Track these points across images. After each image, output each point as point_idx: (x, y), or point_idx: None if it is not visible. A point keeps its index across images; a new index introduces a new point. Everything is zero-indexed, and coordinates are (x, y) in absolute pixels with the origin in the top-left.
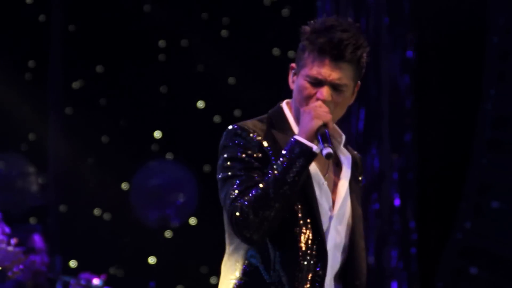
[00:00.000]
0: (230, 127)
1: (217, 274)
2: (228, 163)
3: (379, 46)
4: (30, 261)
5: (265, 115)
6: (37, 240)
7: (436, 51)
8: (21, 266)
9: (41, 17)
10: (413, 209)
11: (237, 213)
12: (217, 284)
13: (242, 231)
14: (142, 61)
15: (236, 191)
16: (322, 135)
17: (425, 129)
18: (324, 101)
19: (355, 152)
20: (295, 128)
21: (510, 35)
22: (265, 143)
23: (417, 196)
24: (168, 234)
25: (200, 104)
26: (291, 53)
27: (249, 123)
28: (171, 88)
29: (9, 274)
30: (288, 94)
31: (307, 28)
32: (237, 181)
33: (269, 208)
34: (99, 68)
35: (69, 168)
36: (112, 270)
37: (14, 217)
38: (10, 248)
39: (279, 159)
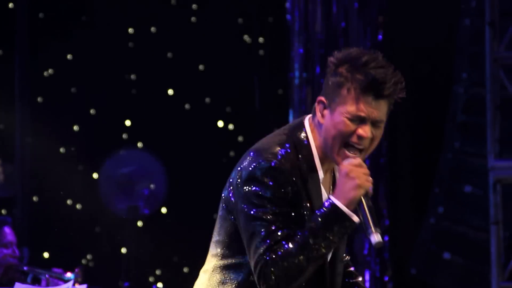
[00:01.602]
0: (266, 162)
1: (189, 264)
2: (259, 201)
3: (349, 30)
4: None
5: (289, 137)
6: (8, 232)
7: (406, 34)
8: None
9: (10, 5)
10: (385, 195)
11: (265, 271)
12: (189, 274)
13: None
14: (112, 48)
15: (265, 245)
16: (370, 209)
17: (397, 113)
18: (365, 139)
19: None
20: (319, 168)
21: (482, 17)
22: (298, 185)
23: (389, 182)
24: (139, 223)
25: (170, 91)
26: (261, 40)
27: (284, 161)
28: (141, 75)
29: None
30: (260, 82)
31: (334, 61)
32: (267, 231)
33: (298, 270)
34: (69, 56)
35: (39, 158)
36: (84, 261)
37: None
38: None
39: (316, 221)
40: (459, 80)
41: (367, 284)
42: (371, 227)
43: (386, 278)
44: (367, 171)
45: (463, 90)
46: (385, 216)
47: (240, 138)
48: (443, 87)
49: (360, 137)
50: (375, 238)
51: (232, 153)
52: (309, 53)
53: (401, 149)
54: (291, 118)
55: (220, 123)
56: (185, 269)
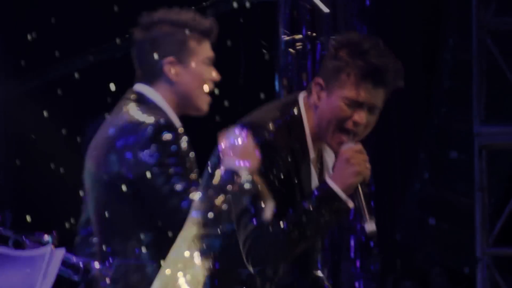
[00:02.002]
0: (259, 138)
1: (173, 228)
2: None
3: None
4: None
5: (283, 114)
6: None
7: (394, 0)
8: None
9: None
10: (371, 160)
11: (255, 247)
12: (173, 238)
13: (254, 264)
14: (97, 11)
15: (255, 221)
16: (366, 197)
17: None
18: (360, 125)
19: None
20: (311, 148)
21: None
22: (289, 164)
23: (375, 147)
24: (123, 188)
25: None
26: (247, 4)
27: (276, 138)
28: (125, 39)
29: None
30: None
31: (335, 44)
32: (258, 207)
33: (287, 248)
34: (53, 20)
35: (22, 121)
36: (67, 225)
37: None
38: None
39: (311, 202)
40: (446, 46)
41: (352, 250)
42: (366, 216)
43: (372, 244)
44: (367, 157)
45: (450, 55)
46: (371, 182)
47: (226, 103)
48: (430, 52)
49: (355, 123)
50: (369, 227)
51: (218, 118)
52: (295, 17)
53: (387, 114)
54: (276, 83)
55: (206, 87)
56: (170, 233)
